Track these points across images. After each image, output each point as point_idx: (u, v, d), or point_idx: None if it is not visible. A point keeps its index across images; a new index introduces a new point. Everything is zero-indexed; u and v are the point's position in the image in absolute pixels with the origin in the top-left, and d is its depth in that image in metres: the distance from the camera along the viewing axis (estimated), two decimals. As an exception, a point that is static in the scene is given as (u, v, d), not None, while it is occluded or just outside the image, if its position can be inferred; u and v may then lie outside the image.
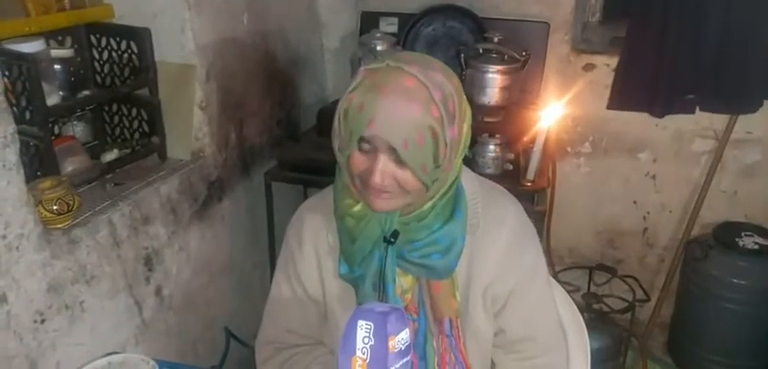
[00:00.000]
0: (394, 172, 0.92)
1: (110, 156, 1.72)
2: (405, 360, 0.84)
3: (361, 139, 0.91)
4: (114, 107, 1.82)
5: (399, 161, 0.91)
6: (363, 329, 0.82)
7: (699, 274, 2.26)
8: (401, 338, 0.83)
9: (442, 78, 0.93)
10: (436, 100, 0.91)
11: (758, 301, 2.17)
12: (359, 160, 0.94)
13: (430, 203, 0.98)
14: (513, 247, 1.05)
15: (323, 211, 1.09)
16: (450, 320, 1.02)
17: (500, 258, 1.05)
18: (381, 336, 0.81)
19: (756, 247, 2.17)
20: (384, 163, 0.91)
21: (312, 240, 1.09)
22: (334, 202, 1.05)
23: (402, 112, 0.89)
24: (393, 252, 0.99)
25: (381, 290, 1.00)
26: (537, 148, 1.78)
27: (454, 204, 1.01)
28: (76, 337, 1.47)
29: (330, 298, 1.10)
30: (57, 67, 1.61)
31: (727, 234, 2.23)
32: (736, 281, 2.16)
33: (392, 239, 0.99)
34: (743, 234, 2.22)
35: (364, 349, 0.82)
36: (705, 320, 2.27)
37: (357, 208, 1.01)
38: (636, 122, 2.31)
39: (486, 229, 1.04)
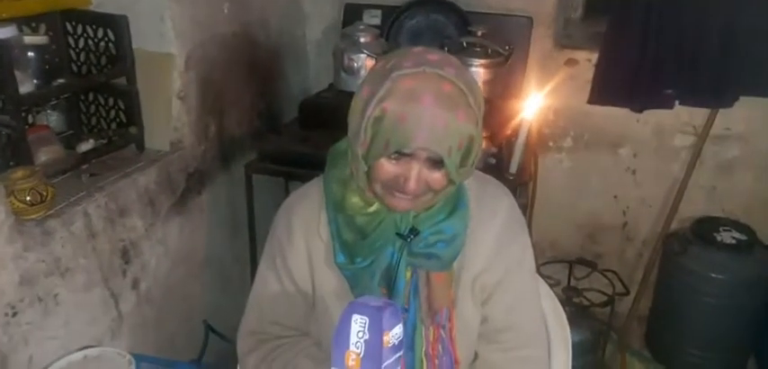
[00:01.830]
0: (427, 176, 0.92)
1: (85, 146, 1.68)
2: (397, 355, 0.83)
3: (399, 152, 0.89)
4: (90, 96, 1.78)
5: (435, 166, 0.91)
6: (358, 324, 0.81)
7: (677, 268, 2.28)
8: (395, 333, 0.82)
9: (472, 78, 0.93)
10: (472, 104, 0.90)
11: (735, 295, 2.20)
12: (388, 169, 0.92)
13: (438, 197, 0.98)
14: (504, 238, 1.05)
15: (314, 203, 1.08)
16: (447, 311, 1.02)
17: (491, 248, 1.05)
18: (376, 331, 0.80)
19: (734, 241, 2.19)
20: (419, 170, 0.91)
21: (303, 232, 1.07)
22: (330, 197, 1.04)
23: (447, 121, 0.87)
24: (406, 248, 0.99)
25: (391, 285, 1.00)
26: (520, 142, 1.78)
27: (457, 197, 1.01)
28: (50, 330, 1.44)
29: (321, 290, 1.08)
30: (30, 54, 1.58)
31: (705, 229, 2.25)
32: (713, 275, 2.19)
33: (410, 236, 0.99)
34: (721, 229, 2.25)
35: (358, 343, 0.81)
36: (683, 314, 2.30)
37: (373, 208, 1.00)
38: (617, 117, 2.32)
39: (479, 220, 1.04)
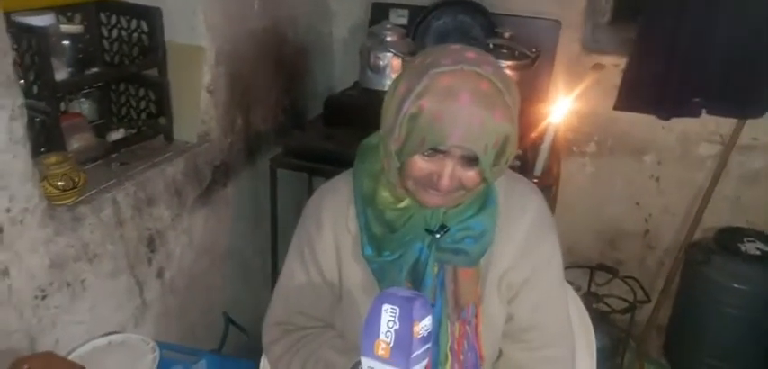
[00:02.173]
0: (461, 174, 0.92)
1: (116, 135, 1.71)
2: (426, 346, 0.84)
3: (434, 149, 0.90)
4: (122, 86, 1.81)
5: (469, 163, 0.91)
6: (388, 313, 0.81)
7: (699, 278, 2.25)
8: (424, 325, 0.82)
9: (507, 77, 0.93)
10: (509, 103, 0.90)
11: (758, 307, 2.17)
12: (421, 166, 0.93)
13: (471, 195, 0.99)
14: (532, 236, 1.05)
15: (343, 197, 1.09)
16: (474, 307, 1.02)
17: (519, 247, 1.05)
18: (406, 320, 0.81)
19: (758, 252, 2.17)
20: (453, 167, 0.91)
21: (331, 225, 1.08)
22: (359, 190, 1.04)
23: (483, 120, 0.87)
24: (435, 244, 0.99)
25: (418, 280, 1.00)
26: (546, 144, 1.77)
27: (486, 194, 1.01)
28: (77, 315, 1.47)
29: (348, 283, 1.09)
30: (65, 42, 1.60)
31: (729, 239, 2.23)
32: (736, 286, 2.16)
33: (440, 233, 0.99)
34: (745, 239, 2.22)
35: (388, 333, 0.81)
36: (704, 324, 2.27)
37: (404, 203, 1.01)
38: (642, 124, 2.30)
39: (508, 217, 1.04)
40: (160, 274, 1.73)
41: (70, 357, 1.36)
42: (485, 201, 1.01)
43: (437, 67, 0.89)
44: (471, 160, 0.91)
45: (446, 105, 0.87)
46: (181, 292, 1.83)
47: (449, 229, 0.99)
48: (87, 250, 1.47)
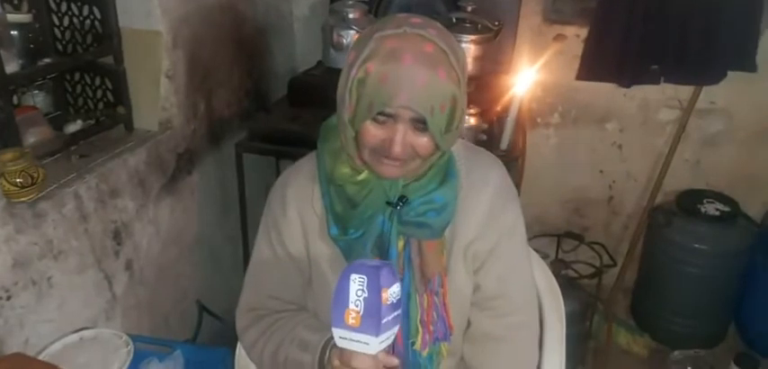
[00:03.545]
0: (412, 140, 0.92)
1: (73, 127, 1.66)
2: (396, 313, 0.85)
3: (382, 112, 0.90)
4: (77, 76, 1.75)
5: (419, 129, 0.91)
6: (356, 283, 0.82)
7: (662, 240, 2.33)
8: (393, 291, 0.83)
9: (454, 41, 0.94)
10: (454, 65, 0.91)
11: (718, 265, 2.26)
12: (373, 133, 0.93)
13: (427, 165, 0.99)
14: (496, 207, 1.07)
15: (306, 177, 1.09)
16: (439, 278, 1.04)
17: (483, 217, 1.06)
18: (374, 288, 0.81)
19: (717, 213, 2.24)
20: (404, 132, 0.91)
21: (297, 207, 1.08)
22: (322, 170, 1.04)
23: (428, 79, 0.88)
24: (396, 216, 1.00)
25: (384, 254, 1.01)
26: (511, 117, 1.79)
27: (447, 167, 1.02)
28: (45, 313, 1.43)
29: (317, 263, 1.09)
30: (13, 32, 1.54)
31: (689, 201, 2.30)
32: (697, 246, 2.24)
33: (399, 204, 0.99)
34: (705, 201, 2.29)
35: (357, 302, 0.82)
36: (668, 284, 2.35)
37: (362, 176, 1.01)
38: (604, 93, 2.34)
39: (470, 189, 1.05)
40: (129, 267, 1.70)
41: (41, 357, 1.34)
42: (446, 174, 1.02)
43: (381, 31, 0.91)
44: (421, 124, 0.91)
45: (390, 67, 0.88)
46: (151, 284, 1.80)
47: (410, 201, 1.00)
48: (51, 247, 1.43)
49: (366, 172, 1.01)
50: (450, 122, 0.93)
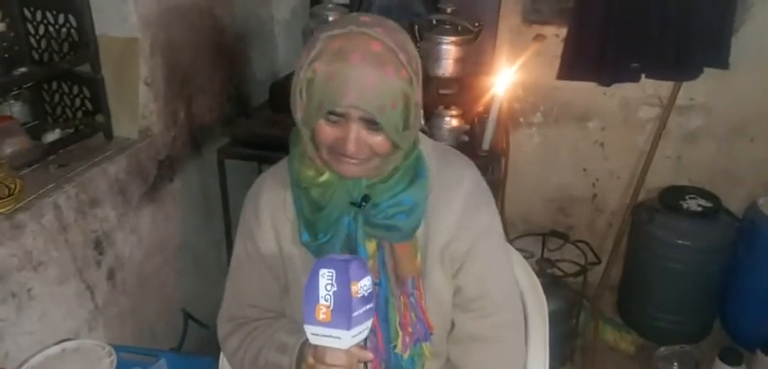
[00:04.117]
0: (367, 138, 0.92)
1: (52, 136, 1.65)
2: (368, 306, 0.84)
3: (332, 112, 0.90)
4: (54, 85, 1.74)
5: (373, 127, 0.91)
6: (325, 277, 0.82)
7: (645, 237, 2.34)
8: (363, 284, 0.83)
9: (403, 38, 0.94)
10: (404, 62, 0.90)
11: (702, 261, 2.27)
12: (327, 131, 0.92)
13: (393, 167, 0.99)
14: (470, 207, 1.06)
15: (279, 184, 1.08)
16: (413, 280, 1.03)
17: (457, 218, 1.06)
18: (344, 282, 0.81)
19: (699, 208, 2.26)
20: (357, 131, 0.91)
21: (270, 214, 1.08)
22: (292, 174, 1.04)
23: (375, 79, 0.88)
24: (362, 216, 0.99)
25: (353, 254, 1.00)
26: (492, 117, 1.79)
27: (416, 168, 1.02)
28: (25, 325, 1.42)
29: (292, 267, 1.09)
30: (-13, 42, 1.52)
31: (671, 197, 2.31)
32: (680, 242, 2.26)
33: (363, 203, 0.99)
34: (687, 197, 2.31)
35: (327, 296, 0.82)
36: (652, 281, 2.37)
37: (324, 177, 1.00)
38: (585, 92, 2.36)
39: (443, 190, 1.05)
40: (111, 276, 1.69)
41: (21, 369, 1.32)
42: (414, 174, 1.02)
43: (329, 32, 0.91)
44: (372, 123, 0.91)
45: (337, 66, 0.88)
46: (134, 293, 1.79)
47: (378, 204, 1.00)
48: (31, 258, 1.42)
49: (328, 173, 1.00)
50: (406, 120, 0.93)
